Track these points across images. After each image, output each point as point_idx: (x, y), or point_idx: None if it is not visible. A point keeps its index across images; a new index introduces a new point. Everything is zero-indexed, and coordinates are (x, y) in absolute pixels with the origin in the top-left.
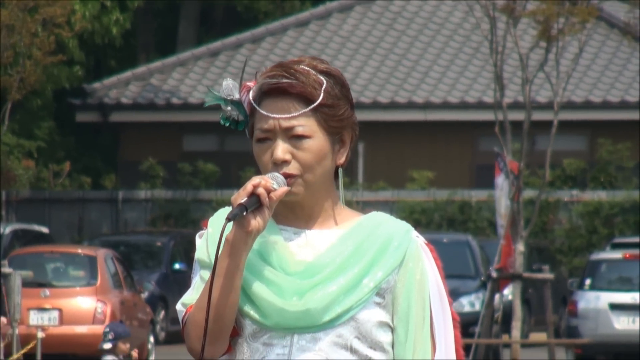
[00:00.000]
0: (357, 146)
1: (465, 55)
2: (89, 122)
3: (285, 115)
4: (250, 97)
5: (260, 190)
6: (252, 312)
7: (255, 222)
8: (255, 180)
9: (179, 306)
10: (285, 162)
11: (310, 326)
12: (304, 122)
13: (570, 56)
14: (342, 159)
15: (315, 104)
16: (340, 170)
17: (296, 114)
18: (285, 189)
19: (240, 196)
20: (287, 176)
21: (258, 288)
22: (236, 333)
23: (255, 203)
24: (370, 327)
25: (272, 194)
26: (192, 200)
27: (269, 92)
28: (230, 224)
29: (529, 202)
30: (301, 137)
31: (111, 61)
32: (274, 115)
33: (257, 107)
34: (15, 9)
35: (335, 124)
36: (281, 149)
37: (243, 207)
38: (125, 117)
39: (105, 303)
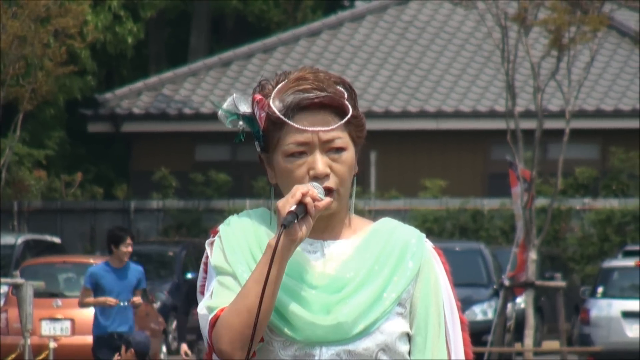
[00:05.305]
0: (369, 155)
1: (477, 64)
2: (101, 132)
3: (326, 128)
4: (277, 112)
5: (308, 200)
6: (281, 326)
7: (301, 231)
8: (304, 188)
9: (203, 310)
10: (326, 176)
11: (339, 340)
12: (341, 135)
13: (581, 65)
14: (357, 169)
15: (349, 116)
16: (354, 180)
17: (335, 127)
18: (329, 200)
19: (289, 204)
20: (326, 190)
21: (285, 301)
22: (261, 340)
23: (302, 211)
24: (394, 338)
25: (318, 203)
26: (204, 210)
27: (307, 106)
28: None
29: (541, 211)
30: (339, 149)
31: (123, 71)
32: (315, 129)
33: (289, 122)
34: (27, 20)
35: (361, 135)
36: (322, 162)
37: (294, 214)
38: (137, 127)
39: None
